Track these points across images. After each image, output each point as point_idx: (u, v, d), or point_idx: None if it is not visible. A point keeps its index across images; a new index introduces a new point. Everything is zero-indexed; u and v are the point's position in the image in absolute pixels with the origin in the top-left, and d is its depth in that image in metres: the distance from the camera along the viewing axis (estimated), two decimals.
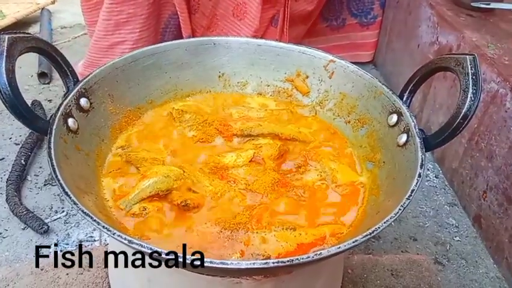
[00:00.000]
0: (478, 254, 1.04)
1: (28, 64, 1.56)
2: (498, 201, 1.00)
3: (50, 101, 1.45)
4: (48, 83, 1.54)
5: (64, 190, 0.51)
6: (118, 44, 1.19)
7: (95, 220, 0.48)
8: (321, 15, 1.54)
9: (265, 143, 0.72)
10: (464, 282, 0.97)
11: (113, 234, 0.46)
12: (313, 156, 0.72)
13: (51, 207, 1.08)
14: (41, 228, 1.00)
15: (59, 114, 0.61)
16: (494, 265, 1.01)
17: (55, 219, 1.05)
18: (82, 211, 0.48)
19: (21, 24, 1.86)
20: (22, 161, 1.15)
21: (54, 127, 0.58)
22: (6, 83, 0.54)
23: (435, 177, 1.25)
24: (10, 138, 1.29)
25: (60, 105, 0.62)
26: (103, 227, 0.47)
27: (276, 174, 0.68)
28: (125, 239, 0.46)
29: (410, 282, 0.87)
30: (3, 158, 1.22)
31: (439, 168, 1.27)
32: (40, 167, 1.19)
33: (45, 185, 1.14)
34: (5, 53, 0.54)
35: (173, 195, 0.63)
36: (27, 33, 0.59)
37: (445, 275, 0.98)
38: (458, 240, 1.07)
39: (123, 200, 0.62)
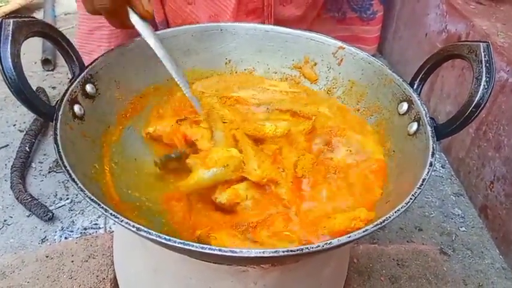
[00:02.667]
0: (484, 245, 1.04)
1: (32, 50, 1.55)
2: (505, 192, 1.00)
3: (54, 88, 1.44)
4: (52, 70, 1.53)
5: (70, 177, 0.50)
6: (96, 30, 1.18)
7: (102, 207, 0.47)
8: (323, 7, 1.52)
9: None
10: (470, 272, 0.97)
11: (121, 221, 0.46)
12: (337, 131, 0.71)
13: (56, 195, 1.08)
14: (46, 215, 1.00)
15: (64, 100, 0.60)
16: (500, 256, 1.01)
17: (60, 207, 1.05)
18: (89, 198, 0.48)
19: (24, 10, 1.85)
20: (26, 148, 1.15)
21: (60, 113, 0.58)
22: (12, 68, 0.53)
23: (441, 167, 1.24)
24: (14, 125, 1.28)
25: (66, 91, 0.61)
26: (111, 214, 0.47)
27: (312, 155, 0.67)
28: (133, 226, 0.45)
29: (415, 272, 0.87)
30: (7, 145, 1.21)
31: (446, 158, 1.26)
32: (44, 154, 1.19)
33: (49, 172, 1.14)
34: (10, 37, 0.53)
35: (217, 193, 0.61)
36: (33, 17, 0.58)
37: (450, 265, 0.98)
38: (464, 231, 1.07)
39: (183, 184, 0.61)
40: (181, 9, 1.16)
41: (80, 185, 0.49)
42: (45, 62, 1.53)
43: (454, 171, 1.22)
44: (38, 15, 1.85)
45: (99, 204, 0.47)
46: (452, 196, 1.16)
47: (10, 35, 0.54)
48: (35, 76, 1.50)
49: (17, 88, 0.54)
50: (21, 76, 0.54)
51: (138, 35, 0.69)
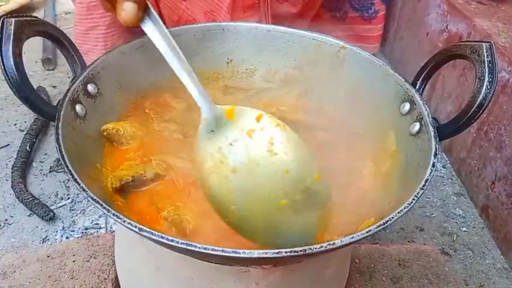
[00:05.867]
0: (485, 245, 1.04)
1: (32, 50, 1.55)
2: (507, 192, 1.00)
3: (54, 87, 1.44)
4: (52, 69, 1.53)
5: (73, 177, 0.50)
6: (91, 29, 1.18)
7: (105, 207, 0.47)
8: (324, 6, 1.52)
9: None
10: (471, 272, 0.97)
11: (124, 221, 0.46)
12: None
13: (57, 194, 1.08)
14: (47, 215, 1.00)
15: (66, 99, 0.59)
16: (501, 256, 1.01)
17: (61, 206, 1.05)
18: (92, 198, 0.48)
19: (25, 10, 1.85)
20: (27, 147, 1.15)
21: (62, 113, 0.57)
22: (14, 68, 0.53)
23: (442, 167, 1.24)
24: (15, 125, 1.28)
25: (68, 90, 0.61)
26: (113, 214, 0.46)
27: None
28: (135, 226, 0.45)
29: (417, 272, 0.87)
30: (8, 145, 1.21)
31: (447, 158, 1.26)
32: (45, 154, 1.19)
33: (50, 171, 1.14)
34: (12, 37, 0.53)
35: None
36: (35, 17, 0.58)
37: (451, 265, 0.98)
38: (465, 231, 1.07)
39: None
40: (176, 5, 1.15)
41: (82, 185, 0.49)
42: (46, 61, 1.53)
43: (455, 171, 1.22)
44: (39, 14, 1.85)
45: (101, 205, 0.47)
46: (453, 196, 1.15)
47: (12, 34, 0.53)
48: (36, 75, 1.50)
49: (19, 88, 0.54)
50: (23, 76, 0.54)
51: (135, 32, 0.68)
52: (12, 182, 1.07)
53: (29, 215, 1.03)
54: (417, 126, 0.63)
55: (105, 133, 0.66)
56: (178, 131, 0.71)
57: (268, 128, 0.56)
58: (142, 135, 0.69)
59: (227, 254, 0.44)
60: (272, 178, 0.54)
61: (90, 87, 0.65)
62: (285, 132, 0.56)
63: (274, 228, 0.54)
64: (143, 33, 0.68)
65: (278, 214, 0.53)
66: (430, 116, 0.62)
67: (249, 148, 0.55)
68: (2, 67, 0.53)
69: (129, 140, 0.68)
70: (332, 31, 1.56)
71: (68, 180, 1.11)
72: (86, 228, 1.00)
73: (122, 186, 0.61)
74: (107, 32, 1.17)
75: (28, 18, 0.56)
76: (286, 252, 0.44)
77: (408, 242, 1.03)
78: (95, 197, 0.48)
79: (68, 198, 1.07)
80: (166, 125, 0.72)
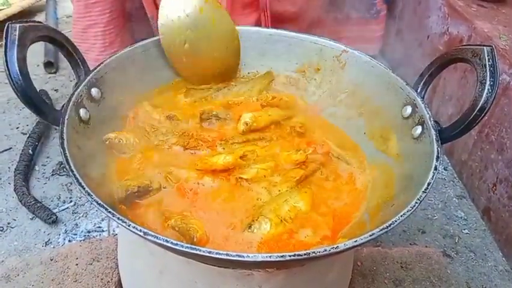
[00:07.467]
0: (487, 247, 1.04)
1: (34, 53, 1.56)
2: (508, 194, 1.00)
3: (56, 90, 1.44)
4: (54, 73, 1.54)
5: (77, 181, 0.50)
6: (90, 27, 1.18)
7: (110, 211, 0.47)
8: (324, 7, 1.52)
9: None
10: (473, 275, 0.97)
11: (129, 226, 0.46)
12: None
13: (59, 197, 1.08)
14: (50, 218, 1.00)
15: (70, 104, 0.60)
16: (503, 258, 1.01)
17: (63, 209, 1.06)
18: (97, 202, 0.48)
19: (26, 13, 1.86)
20: (30, 150, 1.15)
21: (66, 117, 0.58)
22: (18, 72, 0.53)
23: (444, 169, 1.24)
24: (17, 128, 1.29)
25: (72, 95, 0.61)
26: (118, 218, 0.47)
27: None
28: (140, 230, 0.45)
29: (419, 275, 0.87)
30: (10, 148, 1.22)
31: (448, 161, 1.26)
32: (48, 157, 1.19)
33: (53, 175, 1.14)
34: (16, 42, 0.54)
35: None
36: (39, 22, 0.58)
37: (453, 267, 0.98)
38: (466, 233, 1.07)
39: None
40: None
41: (87, 189, 0.49)
42: (48, 65, 1.53)
43: (457, 174, 1.22)
44: (40, 17, 1.86)
45: (106, 209, 0.47)
46: (454, 198, 1.16)
47: (17, 39, 0.54)
48: (38, 79, 1.50)
49: (24, 92, 0.54)
50: (27, 81, 0.54)
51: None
52: (14, 186, 1.07)
53: (31, 218, 1.03)
54: (419, 129, 0.64)
55: (107, 142, 0.66)
56: (178, 143, 0.72)
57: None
58: (144, 146, 0.70)
59: (231, 258, 0.44)
60: None
61: (94, 92, 0.66)
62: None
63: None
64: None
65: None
66: (432, 119, 0.62)
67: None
68: (7, 72, 0.53)
69: (131, 150, 0.68)
70: (333, 32, 1.56)
71: (71, 183, 1.11)
72: (89, 232, 1.01)
73: (127, 195, 0.61)
74: (105, 29, 1.18)
75: (32, 23, 0.57)
76: (290, 255, 0.44)
77: (410, 244, 1.03)
78: (100, 201, 0.48)
79: (71, 201, 1.08)
80: (164, 138, 0.72)
